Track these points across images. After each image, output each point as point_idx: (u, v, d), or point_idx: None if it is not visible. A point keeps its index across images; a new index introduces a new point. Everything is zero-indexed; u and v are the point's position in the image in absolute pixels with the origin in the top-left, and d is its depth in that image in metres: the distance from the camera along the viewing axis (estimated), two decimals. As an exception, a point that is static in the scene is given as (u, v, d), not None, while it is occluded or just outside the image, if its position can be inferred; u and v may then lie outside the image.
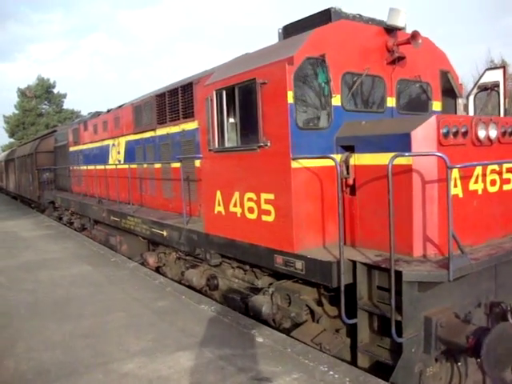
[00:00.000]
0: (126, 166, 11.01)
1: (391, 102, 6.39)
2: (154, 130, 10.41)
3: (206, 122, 6.85)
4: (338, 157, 5.55)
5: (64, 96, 52.22)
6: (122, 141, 12.35)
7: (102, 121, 13.81)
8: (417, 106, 6.81)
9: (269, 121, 5.62)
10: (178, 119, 9.26)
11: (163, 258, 9.62)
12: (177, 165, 9.32)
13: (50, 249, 11.57)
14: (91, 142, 14.86)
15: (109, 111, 13.90)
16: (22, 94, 49.61)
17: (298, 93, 5.45)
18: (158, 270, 9.80)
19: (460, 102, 7.43)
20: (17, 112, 50.16)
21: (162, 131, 10.06)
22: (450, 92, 7.32)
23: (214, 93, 6.61)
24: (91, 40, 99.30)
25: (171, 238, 8.32)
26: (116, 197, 12.36)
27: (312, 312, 6.03)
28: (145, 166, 11.01)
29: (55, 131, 21.25)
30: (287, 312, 6.20)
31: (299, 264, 5.39)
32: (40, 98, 49.82)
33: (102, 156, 13.91)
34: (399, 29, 6.23)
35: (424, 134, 4.88)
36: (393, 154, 4.68)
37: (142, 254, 10.43)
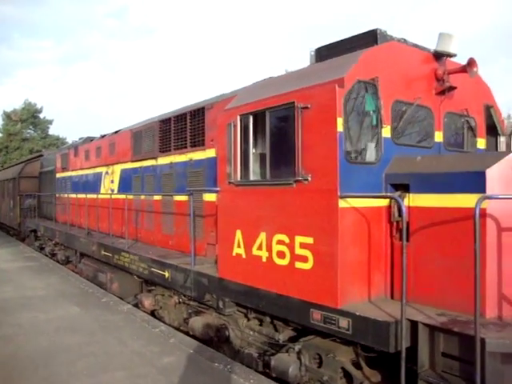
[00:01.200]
0: (123, 197, 10.06)
1: (439, 136, 5.69)
2: (155, 158, 9.55)
3: (225, 150, 6.04)
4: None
5: (50, 122, 51.03)
6: (117, 169, 11.44)
7: (96, 146, 12.91)
8: (463, 142, 6.13)
9: (310, 151, 4.83)
10: (185, 147, 8.44)
11: (160, 301, 8.58)
12: (181, 198, 8.47)
13: (31, 284, 10.40)
14: (82, 169, 13.90)
15: (103, 137, 13.02)
16: (8, 117, 48.28)
17: (347, 120, 4.70)
18: (152, 313, 8.75)
19: (502, 139, 6.79)
20: (0, 135, 48.77)
21: (164, 160, 9.20)
22: (491, 129, 6.68)
23: (238, 118, 5.83)
24: (81, 68, 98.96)
25: (175, 281, 7.34)
26: (108, 229, 11.35)
27: (346, 375, 5.10)
28: (142, 197, 10.09)
29: (41, 155, 20.21)
30: (318, 374, 5.25)
31: (344, 322, 4.50)
32: (26, 123, 48.54)
33: (93, 184, 12.93)
34: (450, 56, 5.61)
35: (501, 173, 4.15)
36: (464, 195, 3.94)
37: (137, 295, 9.37)
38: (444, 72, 5.53)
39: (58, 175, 16.17)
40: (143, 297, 8.76)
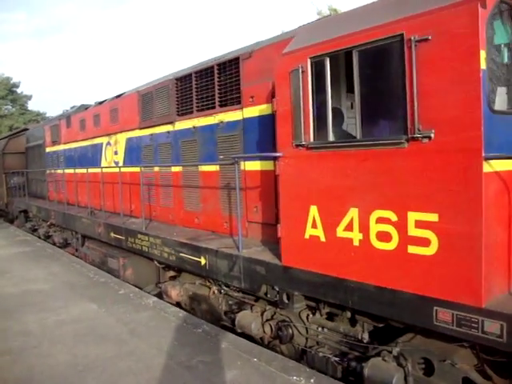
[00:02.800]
0: (135, 169, 8.68)
1: None
2: (171, 123, 8.15)
3: (289, 105, 4.71)
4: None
5: (29, 97, 48.38)
6: (122, 138, 9.99)
7: (93, 114, 11.37)
8: None
9: (433, 99, 3.54)
10: (213, 108, 7.06)
11: (190, 290, 7.35)
12: (209, 168, 7.17)
13: (31, 275, 9.03)
14: (76, 141, 12.36)
15: (101, 103, 11.46)
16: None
17: (489, 55, 3.41)
18: (178, 304, 7.54)
19: None
20: (-23, 113, 46.16)
21: (184, 124, 7.81)
22: None
23: (309, 62, 4.48)
24: (56, 41, 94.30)
25: (215, 269, 6.09)
26: (114, 207, 10.02)
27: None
28: (156, 169, 8.72)
29: (27, 129, 18.43)
30: (431, 386, 4.14)
31: (494, 326, 3.33)
32: (3, 99, 45.92)
33: (91, 157, 11.46)
34: None
35: None
36: None
37: (159, 283, 8.14)
38: None
39: (48, 149, 14.58)
40: (169, 286, 7.50)
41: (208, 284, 6.85)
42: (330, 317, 5.13)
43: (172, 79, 8.05)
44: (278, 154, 4.90)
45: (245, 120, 6.43)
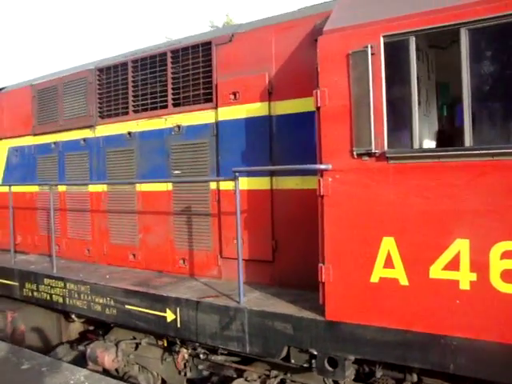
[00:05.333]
0: (29, 189, 6.37)
1: None
2: (90, 127, 6.15)
3: (343, 99, 3.43)
4: None
5: None
6: (1, 147, 7.43)
7: None
8: None
9: None
10: (164, 107, 5.39)
11: (131, 353, 5.40)
12: (155, 187, 5.48)
13: None
14: None
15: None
16: None
17: None
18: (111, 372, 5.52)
19: None
20: None
21: (111, 129, 5.94)
22: None
23: (382, 42, 3.28)
24: None
25: (194, 327, 4.37)
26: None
27: None
28: (61, 188, 6.54)
29: None
30: None
31: None
32: None
33: None
34: None
35: None
36: None
37: (76, 344, 5.95)
38: None
39: None
40: (98, 349, 5.41)
41: (161, 343, 5.06)
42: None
43: (92, 69, 6.09)
44: (324, 167, 3.54)
45: (220, 123, 4.92)
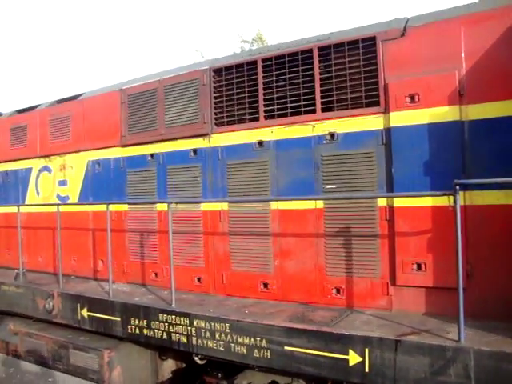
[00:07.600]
0: (119, 207, 5.53)
1: None
2: (204, 135, 5.37)
3: None
4: None
5: None
6: (78, 161, 6.62)
7: (11, 127, 7.51)
8: None
9: None
10: (312, 112, 4.65)
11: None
12: (301, 204, 4.71)
13: None
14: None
15: (26, 110, 7.67)
16: None
17: None
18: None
19: None
20: None
21: (231, 138, 5.18)
22: None
23: None
24: None
25: (391, 372, 3.58)
26: (53, 265, 6.52)
27: None
28: (159, 207, 5.73)
29: None
30: None
31: None
32: None
33: (5, 191, 7.51)
34: None
35: None
36: None
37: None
38: None
39: None
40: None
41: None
42: None
43: (206, 69, 5.32)
44: None
45: (393, 130, 4.19)
